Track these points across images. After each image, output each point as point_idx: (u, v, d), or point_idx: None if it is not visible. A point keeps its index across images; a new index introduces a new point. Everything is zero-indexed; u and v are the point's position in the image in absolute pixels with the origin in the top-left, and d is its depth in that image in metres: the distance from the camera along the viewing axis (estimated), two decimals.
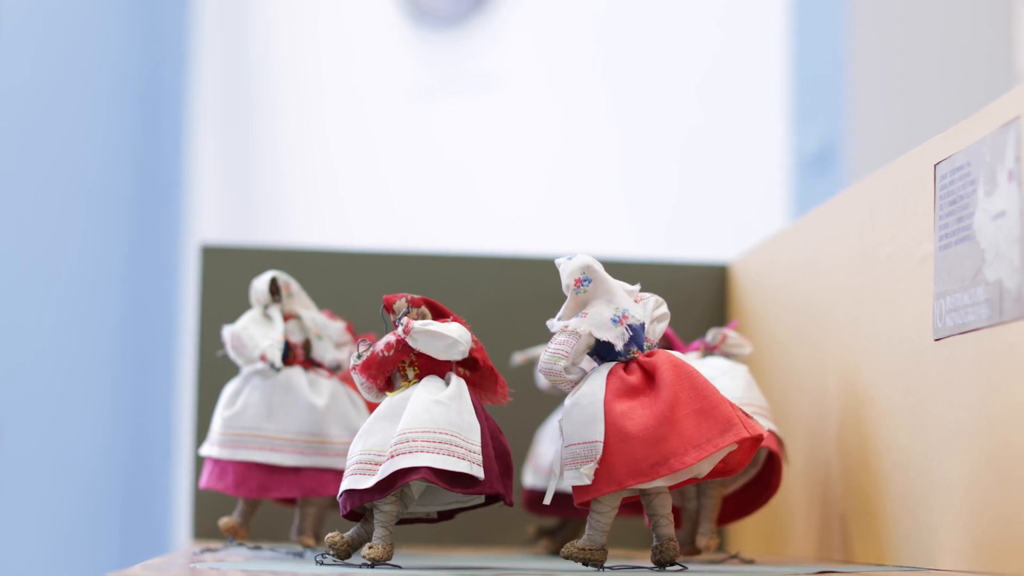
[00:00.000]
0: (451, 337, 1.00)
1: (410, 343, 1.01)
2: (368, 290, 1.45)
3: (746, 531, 1.46)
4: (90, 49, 3.02)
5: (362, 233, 3.04)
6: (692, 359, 1.20)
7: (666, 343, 1.22)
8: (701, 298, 1.54)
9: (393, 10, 3.09)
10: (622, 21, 2.95)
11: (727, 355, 1.20)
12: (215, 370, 1.43)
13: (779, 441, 1.16)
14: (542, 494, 1.29)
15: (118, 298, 3.02)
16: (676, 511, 1.20)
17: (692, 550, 1.16)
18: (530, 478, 1.35)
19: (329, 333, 1.21)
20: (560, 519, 1.36)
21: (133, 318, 3.02)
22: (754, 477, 1.19)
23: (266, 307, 1.19)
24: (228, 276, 1.46)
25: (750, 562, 1.18)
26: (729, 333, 1.20)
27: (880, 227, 1.12)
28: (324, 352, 1.20)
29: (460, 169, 3.04)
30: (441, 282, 1.53)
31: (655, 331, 1.02)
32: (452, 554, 1.31)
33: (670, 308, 1.51)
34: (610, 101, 2.95)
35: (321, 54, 3.18)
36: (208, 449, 1.18)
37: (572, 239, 2.86)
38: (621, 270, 1.52)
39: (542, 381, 1.32)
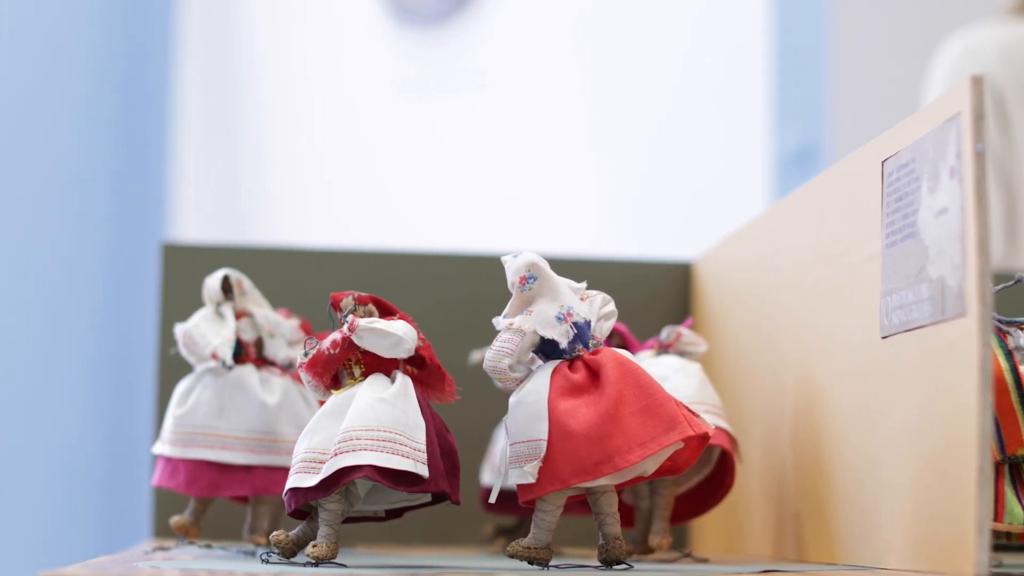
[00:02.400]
0: (396, 335, 1.00)
1: (355, 341, 1.01)
2: (328, 288, 1.43)
3: (706, 530, 1.45)
4: (72, 46, 3.02)
5: (346, 231, 3.04)
6: (646, 357, 1.19)
7: (620, 340, 1.22)
8: (665, 296, 1.54)
9: (376, 8, 3.09)
10: (603, 20, 2.94)
11: (681, 353, 1.19)
12: (176, 368, 1.42)
13: (732, 440, 1.15)
14: (500, 493, 1.28)
15: (98, 298, 3.02)
16: (629, 510, 1.19)
17: (645, 549, 1.16)
18: (487, 477, 1.35)
19: (282, 331, 1.20)
20: (518, 518, 1.36)
21: (114, 318, 3.02)
22: (707, 476, 1.19)
23: (218, 305, 1.19)
24: (189, 274, 1.45)
25: (703, 561, 1.17)
26: (683, 331, 1.19)
27: (832, 224, 1.11)
28: (277, 350, 1.19)
29: (439, 166, 3.03)
30: (401, 280, 1.52)
31: (602, 329, 1.01)
32: (408, 553, 1.31)
33: (634, 306, 1.51)
34: (592, 100, 2.94)
35: (304, 51, 3.18)
36: (160, 447, 1.17)
37: (550, 236, 2.86)
38: (584, 268, 1.52)
39: None
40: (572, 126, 2.95)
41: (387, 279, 1.52)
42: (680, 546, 1.47)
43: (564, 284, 1.00)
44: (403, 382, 1.00)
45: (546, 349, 0.99)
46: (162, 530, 1.45)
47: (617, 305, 1.48)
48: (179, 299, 1.47)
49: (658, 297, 1.53)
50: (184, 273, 1.47)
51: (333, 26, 3.15)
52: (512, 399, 0.99)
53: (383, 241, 2.77)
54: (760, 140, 2.78)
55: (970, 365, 0.87)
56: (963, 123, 0.89)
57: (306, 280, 1.51)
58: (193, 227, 3.13)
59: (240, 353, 1.17)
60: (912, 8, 2.78)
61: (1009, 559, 1.19)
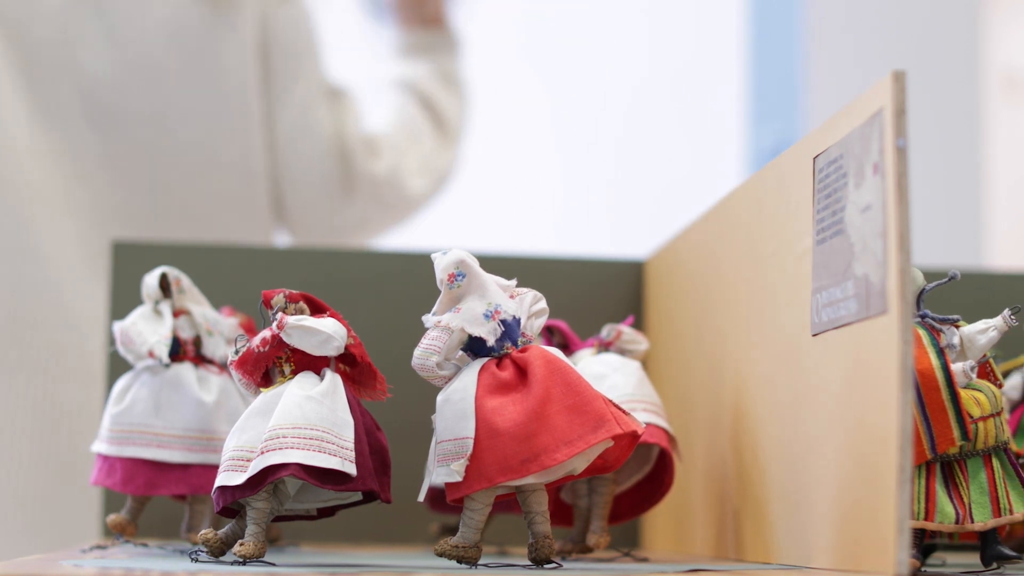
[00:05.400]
0: (325, 333, 1.00)
1: (284, 338, 1.00)
2: (279, 286, 1.43)
3: (656, 529, 1.45)
4: None
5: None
6: (587, 355, 1.19)
7: (562, 338, 1.21)
8: (618, 295, 1.53)
9: (354, 7, 3.08)
10: (577, 19, 2.94)
11: (622, 351, 1.18)
12: (127, 367, 1.42)
13: (671, 438, 1.14)
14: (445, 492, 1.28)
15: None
16: (568, 509, 1.19)
17: (583, 548, 1.15)
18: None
19: (220, 329, 1.20)
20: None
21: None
22: (647, 475, 1.18)
23: (157, 303, 1.18)
24: (140, 272, 1.45)
25: (643, 560, 1.17)
26: (624, 329, 1.19)
27: (768, 222, 1.11)
28: (215, 348, 1.19)
29: None
30: (351, 278, 1.52)
31: (532, 327, 1.01)
32: (352, 552, 1.30)
33: (588, 305, 1.51)
34: (568, 98, 2.94)
35: None
36: (97, 446, 1.17)
37: (524, 235, 2.85)
38: (538, 266, 1.51)
39: None
40: (546, 125, 2.94)
41: (337, 277, 1.52)
42: (632, 545, 1.46)
43: (493, 282, 1.00)
44: (332, 380, 1.00)
45: (474, 347, 0.99)
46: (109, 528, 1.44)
47: (570, 304, 1.48)
48: (129, 297, 1.46)
49: (611, 296, 1.53)
50: (134, 271, 1.46)
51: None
52: (440, 397, 0.99)
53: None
54: (736, 138, 2.78)
55: (891, 362, 0.86)
56: (885, 119, 0.88)
57: (256, 278, 1.50)
58: None
59: (178, 351, 1.17)
60: (887, 7, 2.78)
61: (953, 559, 1.19)
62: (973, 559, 1.13)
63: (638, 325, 1.48)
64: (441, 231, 2.90)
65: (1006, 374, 1.26)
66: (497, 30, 2.99)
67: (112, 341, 1.19)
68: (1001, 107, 3.33)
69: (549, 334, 1.21)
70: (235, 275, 1.50)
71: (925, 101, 2.79)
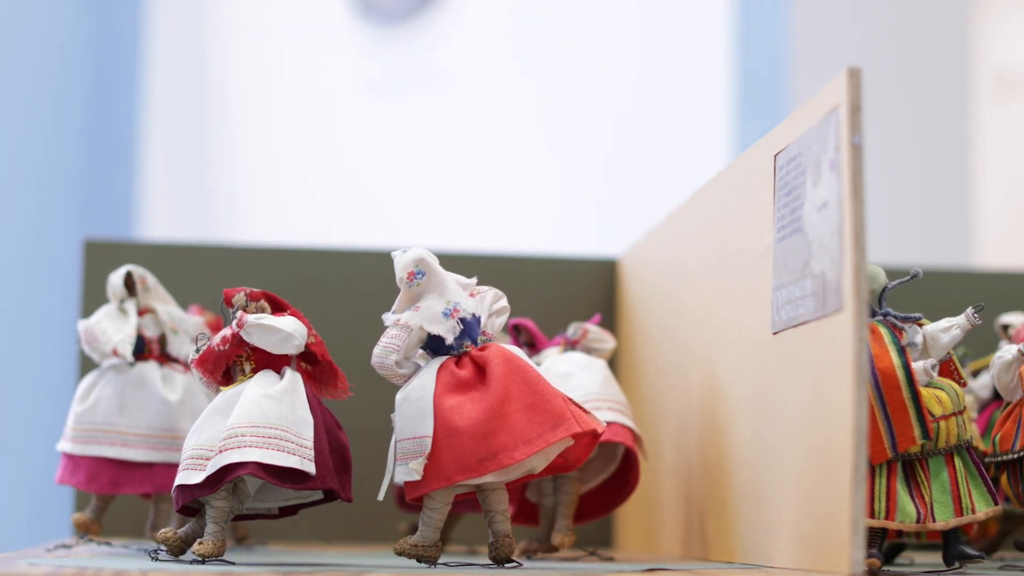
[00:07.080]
0: (285, 331, 1.00)
1: (244, 337, 1.00)
2: (247, 285, 1.43)
3: (628, 528, 1.44)
4: (40, 42, 3.01)
5: (314, 227, 3.03)
6: (553, 354, 1.18)
7: (528, 337, 1.21)
8: (592, 293, 1.53)
9: (342, 6, 3.08)
10: (570, 18, 2.94)
11: (588, 350, 1.18)
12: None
13: (636, 437, 1.14)
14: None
15: (68, 298, 3.00)
16: (534, 508, 1.18)
17: (548, 547, 1.15)
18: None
19: (185, 328, 1.19)
20: None
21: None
22: (613, 474, 1.18)
23: (122, 301, 1.18)
24: (111, 270, 1.44)
25: (608, 560, 1.16)
26: (590, 328, 1.18)
27: (732, 219, 1.10)
28: (180, 347, 1.19)
29: (410, 163, 3.03)
30: (321, 276, 1.51)
31: (493, 325, 1.00)
32: (320, 551, 1.30)
33: (562, 302, 1.50)
34: (559, 97, 2.93)
35: (271, 50, 3.17)
36: (62, 444, 1.16)
37: (513, 232, 2.85)
38: (512, 265, 1.51)
39: None
40: (534, 125, 2.94)
41: (303, 275, 1.51)
42: (604, 545, 1.46)
43: (452, 280, 0.99)
44: (292, 378, 1.00)
45: (434, 345, 0.98)
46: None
47: (544, 302, 1.48)
48: (101, 295, 1.46)
49: (586, 294, 1.53)
50: (105, 269, 1.46)
51: (299, 24, 3.14)
52: (399, 395, 0.98)
53: (351, 238, 2.76)
54: (724, 136, 2.78)
55: (847, 361, 0.85)
56: (841, 116, 0.88)
57: (225, 276, 1.50)
58: (164, 226, 3.12)
59: (143, 350, 1.17)
60: (876, 6, 2.78)
61: (921, 558, 1.19)
62: (940, 559, 1.12)
63: (611, 323, 1.48)
64: (435, 231, 2.90)
65: (976, 373, 1.25)
66: (486, 28, 2.99)
67: (78, 339, 1.18)
68: (992, 106, 3.33)
69: (516, 332, 1.21)
70: (205, 273, 1.49)
71: (916, 100, 2.78)
